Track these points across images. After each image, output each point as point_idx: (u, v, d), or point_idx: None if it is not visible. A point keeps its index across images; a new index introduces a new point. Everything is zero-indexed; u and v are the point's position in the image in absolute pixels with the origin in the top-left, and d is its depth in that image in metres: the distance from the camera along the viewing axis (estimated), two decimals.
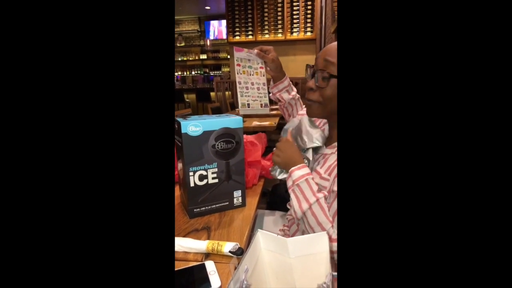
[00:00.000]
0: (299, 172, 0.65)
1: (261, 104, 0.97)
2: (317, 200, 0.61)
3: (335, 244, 0.59)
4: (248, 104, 0.93)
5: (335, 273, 0.42)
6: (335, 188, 0.61)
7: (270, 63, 0.91)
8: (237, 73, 0.90)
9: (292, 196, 0.65)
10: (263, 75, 0.95)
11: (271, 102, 1.04)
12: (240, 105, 0.93)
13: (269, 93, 0.99)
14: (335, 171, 0.62)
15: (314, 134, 0.71)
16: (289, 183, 0.66)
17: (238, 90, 0.91)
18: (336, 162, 0.63)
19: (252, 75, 0.93)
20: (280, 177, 0.72)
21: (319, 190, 0.63)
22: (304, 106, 0.98)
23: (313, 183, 0.64)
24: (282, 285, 0.50)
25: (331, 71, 0.62)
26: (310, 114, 0.71)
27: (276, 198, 1.28)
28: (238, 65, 0.90)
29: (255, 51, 0.90)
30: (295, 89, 0.98)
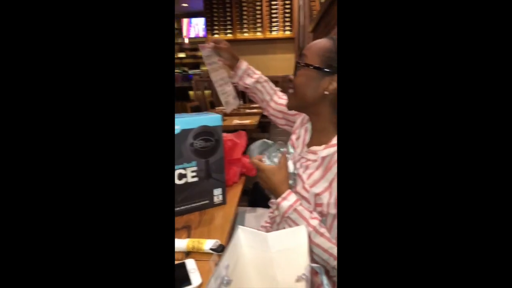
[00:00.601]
0: (286, 203, 0.62)
1: (233, 97, 0.96)
2: (313, 229, 0.59)
3: None
4: (227, 102, 0.92)
5: (313, 265, 0.43)
6: (334, 211, 0.59)
7: (225, 53, 0.89)
8: (210, 73, 0.88)
9: (286, 227, 0.63)
10: (223, 68, 0.93)
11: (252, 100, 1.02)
12: (224, 104, 0.92)
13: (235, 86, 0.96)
14: (315, 188, 0.61)
15: (272, 152, 0.68)
16: (280, 214, 0.64)
17: (217, 89, 0.90)
18: (316, 171, 0.62)
19: (218, 70, 0.91)
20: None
21: (312, 215, 0.61)
22: (278, 90, 0.95)
23: (303, 210, 0.61)
24: (264, 279, 0.51)
25: (302, 61, 0.64)
26: (288, 105, 0.71)
27: (257, 195, 1.28)
28: (209, 64, 0.88)
29: (212, 44, 0.88)
30: (258, 72, 0.93)
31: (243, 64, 0.91)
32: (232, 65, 0.91)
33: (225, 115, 2.10)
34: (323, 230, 0.59)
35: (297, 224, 0.61)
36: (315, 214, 0.61)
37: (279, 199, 0.63)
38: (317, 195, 0.60)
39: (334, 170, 0.58)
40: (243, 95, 2.77)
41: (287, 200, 0.62)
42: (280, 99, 0.93)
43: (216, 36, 4.36)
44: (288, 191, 0.64)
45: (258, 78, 0.92)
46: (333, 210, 0.58)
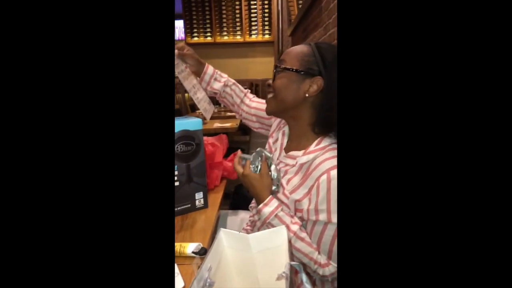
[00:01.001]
0: (267, 209, 0.63)
1: (208, 102, 0.93)
2: (294, 234, 0.60)
3: (327, 269, 0.60)
4: (205, 108, 0.90)
5: (293, 263, 0.45)
6: (314, 218, 0.59)
7: (190, 59, 0.86)
8: (182, 82, 0.84)
9: None
10: (192, 74, 0.89)
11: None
12: (202, 111, 0.89)
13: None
14: (294, 194, 0.62)
15: (256, 159, 0.69)
16: (262, 220, 0.65)
17: (193, 98, 0.86)
18: (295, 177, 0.64)
19: (188, 78, 0.86)
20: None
21: (292, 220, 0.62)
22: (248, 91, 0.94)
23: (284, 216, 0.62)
24: (245, 279, 0.52)
25: (280, 64, 0.65)
26: (267, 110, 0.70)
27: (239, 198, 1.29)
28: (178, 73, 0.83)
29: (176, 51, 0.84)
30: (224, 75, 0.91)
31: (210, 69, 0.88)
32: (198, 71, 0.88)
33: (205, 118, 2.10)
34: (303, 235, 0.61)
35: None
36: (295, 219, 0.62)
37: (260, 205, 0.64)
38: (297, 201, 0.62)
39: (313, 176, 0.59)
40: None
41: (269, 206, 0.63)
42: (252, 101, 0.91)
43: (195, 39, 4.34)
44: (270, 197, 0.64)
45: (226, 82, 0.89)
46: (313, 217, 0.59)
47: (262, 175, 0.66)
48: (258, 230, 0.71)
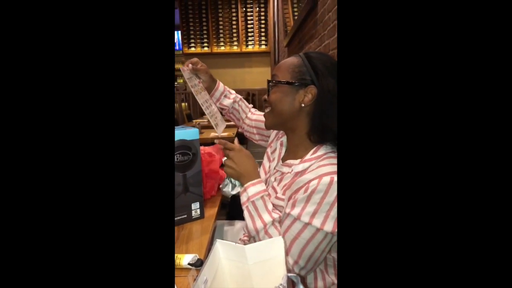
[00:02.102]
0: (254, 188, 0.64)
1: (220, 118, 0.94)
2: (273, 221, 0.61)
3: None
4: (216, 124, 0.89)
5: (290, 274, 0.44)
6: (288, 210, 0.60)
7: (204, 75, 0.88)
8: (195, 95, 0.84)
9: (245, 213, 0.64)
10: (204, 90, 0.90)
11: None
12: (214, 126, 0.89)
13: None
14: (287, 193, 0.63)
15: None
16: (243, 198, 0.65)
17: (205, 112, 0.86)
18: (290, 182, 0.64)
19: (201, 92, 0.87)
20: (234, 192, 0.69)
21: (274, 209, 0.63)
22: (251, 106, 0.97)
23: (269, 201, 0.63)
24: None
25: (273, 79, 0.67)
26: (266, 125, 0.72)
27: (236, 208, 1.28)
28: (191, 86, 0.83)
29: (190, 66, 0.86)
30: (233, 92, 0.95)
31: (221, 86, 0.92)
32: (209, 87, 0.90)
33: (202, 128, 2.10)
34: (278, 224, 0.62)
35: (258, 213, 0.63)
36: (277, 211, 0.63)
37: (248, 183, 0.65)
38: (290, 196, 0.62)
39: (305, 178, 0.59)
40: None
41: (257, 186, 0.64)
42: (253, 114, 0.94)
43: (192, 49, 4.38)
44: (259, 179, 0.65)
45: (235, 98, 0.94)
46: (288, 209, 0.59)
47: (250, 156, 0.68)
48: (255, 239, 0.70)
